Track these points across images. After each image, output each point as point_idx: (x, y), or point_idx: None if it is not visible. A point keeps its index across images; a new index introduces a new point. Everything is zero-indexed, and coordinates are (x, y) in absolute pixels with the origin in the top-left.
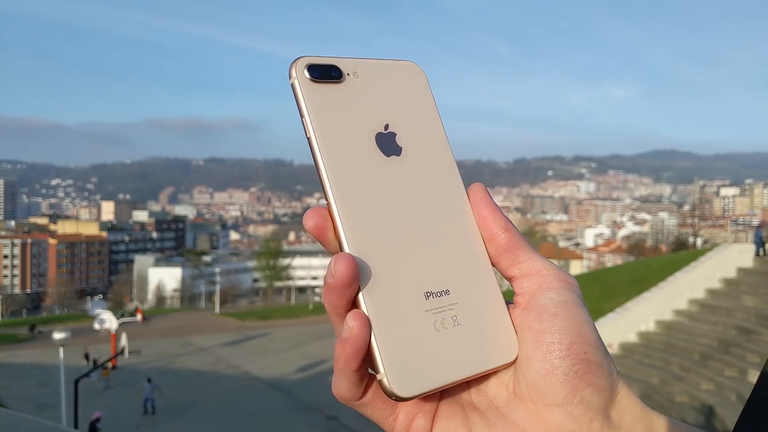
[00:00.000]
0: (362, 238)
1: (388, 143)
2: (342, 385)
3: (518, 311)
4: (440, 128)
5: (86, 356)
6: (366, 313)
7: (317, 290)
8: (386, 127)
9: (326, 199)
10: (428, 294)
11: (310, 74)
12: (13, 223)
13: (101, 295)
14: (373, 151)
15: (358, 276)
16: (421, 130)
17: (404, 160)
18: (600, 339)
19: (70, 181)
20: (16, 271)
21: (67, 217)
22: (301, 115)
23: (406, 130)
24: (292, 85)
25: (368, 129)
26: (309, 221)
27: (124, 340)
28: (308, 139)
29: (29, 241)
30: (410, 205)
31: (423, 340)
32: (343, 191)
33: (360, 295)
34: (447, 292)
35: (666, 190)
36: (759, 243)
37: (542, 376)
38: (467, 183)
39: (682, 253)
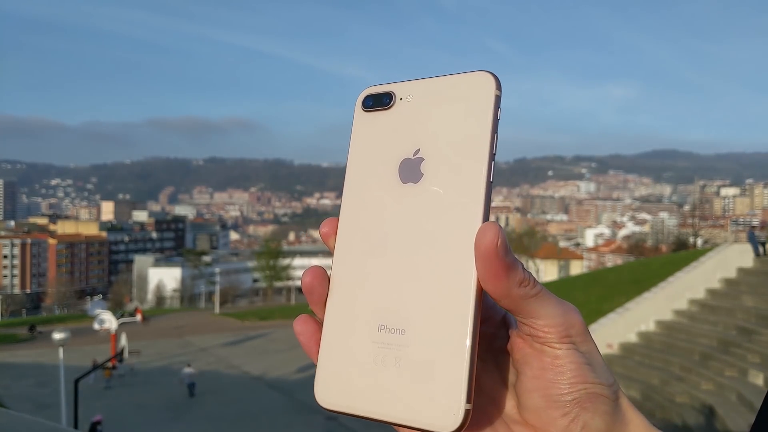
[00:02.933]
0: (346, 256)
1: (410, 169)
2: None
3: (521, 342)
4: (484, 152)
5: (94, 365)
6: (320, 321)
7: None
8: (416, 152)
9: (339, 216)
10: (382, 327)
11: (364, 104)
12: (12, 223)
13: (101, 295)
14: (391, 177)
15: (319, 288)
16: (458, 155)
17: (419, 188)
18: (604, 374)
19: (69, 181)
20: (16, 271)
21: (66, 217)
22: (349, 144)
23: (439, 155)
24: (353, 114)
25: (396, 155)
26: (324, 227)
27: (123, 341)
28: (346, 165)
29: (29, 241)
30: (405, 235)
31: (358, 367)
32: (347, 213)
33: (325, 306)
34: (402, 331)
35: (666, 190)
36: (755, 244)
37: (543, 408)
38: None
39: (682, 253)
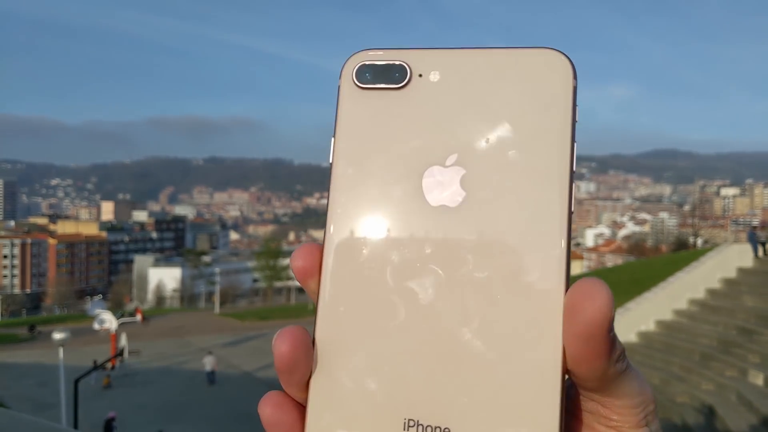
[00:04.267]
0: (339, 312)
1: (443, 184)
2: None
3: (578, 425)
4: (560, 166)
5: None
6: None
7: None
8: (451, 159)
9: (323, 247)
10: (410, 423)
11: (359, 78)
12: (12, 223)
13: (101, 295)
14: (414, 195)
15: (303, 362)
16: (521, 169)
17: (459, 215)
18: None
19: (69, 181)
20: (16, 271)
21: (66, 217)
22: (333, 134)
23: (489, 166)
24: (338, 89)
25: (418, 161)
26: (297, 260)
27: (123, 341)
28: (330, 166)
29: (29, 241)
30: (438, 287)
31: None
32: (339, 246)
33: (309, 389)
34: (446, 431)
35: (666, 190)
36: (754, 244)
37: None
38: None
39: (682, 253)
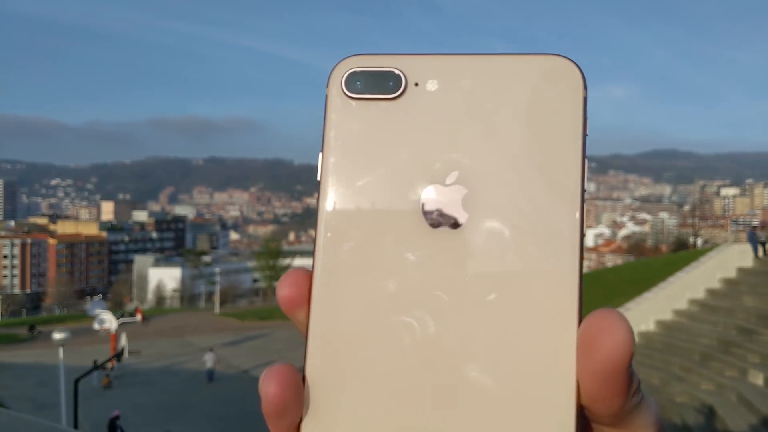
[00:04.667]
0: (336, 350)
1: (443, 205)
2: None
3: None
4: (571, 184)
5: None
6: None
7: None
8: (452, 177)
9: (312, 274)
10: None
11: (350, 87)
12: (12, 223)
13: (101, 295)
14: (412, 217)
15: (293, 407)
16: (527, 187)
17: (464, 239)
18: None
19: (69, 181)
20: (16, 271)
21: (66, 217)
22: (321, 149)
23: (493, 184)
24: (325, 99)
25: (416, 179)
26: (283, 289)
27: (123, 341)
28: (318, 183)
29: (29, 241)
30: (442, 321)
31: None
32: (334, 275)
33: None
34: None
35: (666, 189)
36: (754, 244)
37: None
38: None
39: (682, 253)
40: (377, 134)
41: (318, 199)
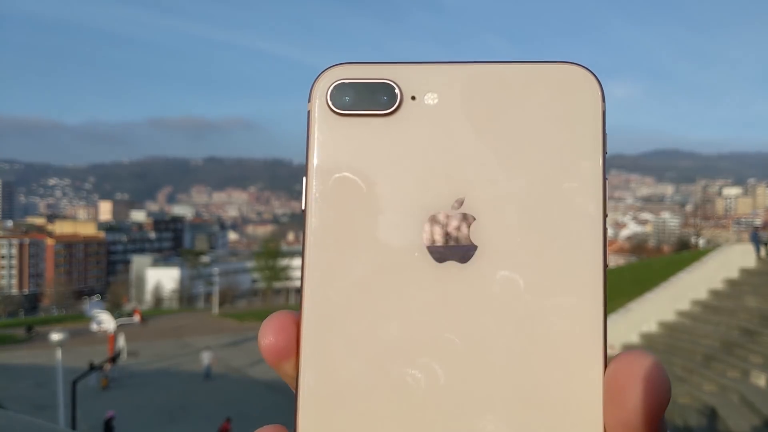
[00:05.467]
0: (332, 412)
1: (450, 236)
2: None
3: None
4: (592, 209)
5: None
6: None
7: None
8: (458, 204)
9: (300, 319)
10: None
11: (336, 101)
12: (10, 223)
13: (99, 296)
14: (413, 251)
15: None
16: (546, 213)
17: (474, 274)
18: None
19: (67, 181)
20: (14, 272)
21: (64, 217)
22: (305, 173)
23: (507, 210)
24: (307, 115)
25: (417, 207)
26: (267, 336)
27: (122, 342)
28: (303, 212)
29: (27, 241)
30: (452, 368)
31: None
32: (327, 320)
33: None
34: None
35: (668, 189)
36: (757, 244)
37: None
38: None
39: (684, 253)
40: (369, 157)
41: (303, 232)
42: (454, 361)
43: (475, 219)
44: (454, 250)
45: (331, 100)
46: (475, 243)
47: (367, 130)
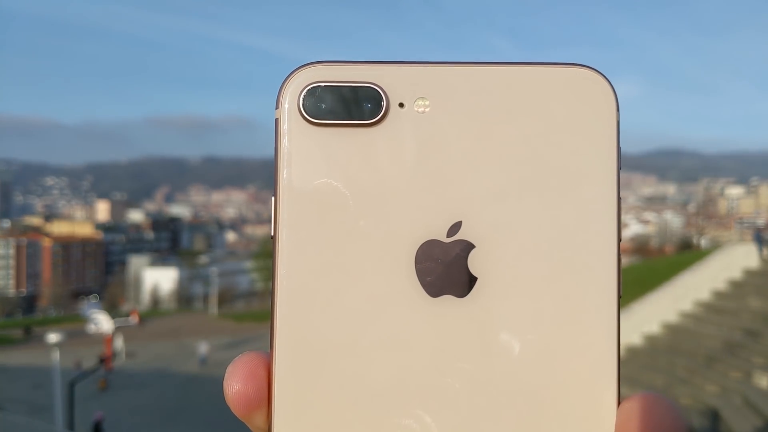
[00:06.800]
0: None
1: (444, 266)
2: None
3: None
4: (606, 234)
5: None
6: None
7: None
8: (454, 229)
9: (271, 363)
10: None
11: (309, 108)
12: (8, 223)
13: (96, 297)
14: (404, 284)
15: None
16: (554, 238)
17: (474, 310)
18: None
19: (65, 180)
20: (11, 272)
21: (62, 217)
22: (273, 193)
23: (510, 235)
24: (275, 124)
25: (407, 234)
26: (234, 383)
27: (120, 343)
28: (272, 239)
29: (24, 241)
30: (452, 413)
31: None
32: (302, 371)
33: None
34: None
35: (671, 189)
36: (760, 244)
37: None
38: None
39: (686, 253)
40: (350, 175)
41: (273, 262)
42: (452, 411)
43: (474, 246)
44: (450, 282)
45: (303, 106)
46: (475, 274)
47: (347, 144)
